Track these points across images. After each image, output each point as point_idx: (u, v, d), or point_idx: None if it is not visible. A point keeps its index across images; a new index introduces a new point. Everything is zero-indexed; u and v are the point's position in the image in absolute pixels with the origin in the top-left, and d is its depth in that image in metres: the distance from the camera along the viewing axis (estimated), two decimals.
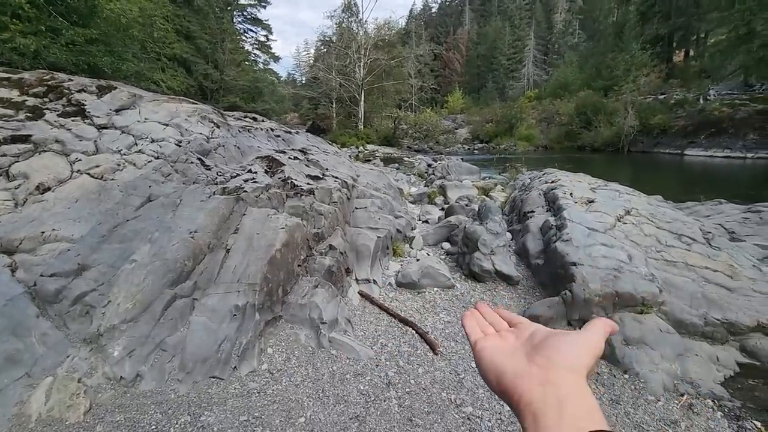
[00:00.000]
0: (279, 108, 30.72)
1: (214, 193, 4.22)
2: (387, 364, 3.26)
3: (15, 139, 4.09)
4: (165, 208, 3.93)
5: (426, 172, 14.39)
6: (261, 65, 32.26)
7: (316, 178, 5.49)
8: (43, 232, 3.37)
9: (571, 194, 5.72)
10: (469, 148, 31.13)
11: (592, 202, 5.45)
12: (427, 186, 11.26)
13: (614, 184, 6.57)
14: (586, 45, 42.97)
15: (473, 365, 3.33)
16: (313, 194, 4.87)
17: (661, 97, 25.90)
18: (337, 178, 5.77)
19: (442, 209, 8.06)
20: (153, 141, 4.96)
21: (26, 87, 5.21)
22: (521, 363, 0.45)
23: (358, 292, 4.33)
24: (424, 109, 37.89)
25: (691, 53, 32.40)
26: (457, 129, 36.80)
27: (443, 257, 5.58)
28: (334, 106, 34.01)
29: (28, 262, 3.16)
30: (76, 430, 2.43)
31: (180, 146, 5.04)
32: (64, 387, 2.60)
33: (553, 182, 6.65)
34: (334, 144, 15.21)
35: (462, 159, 16.76)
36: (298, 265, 3.98)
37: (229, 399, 2.74)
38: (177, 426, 2.51)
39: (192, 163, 4.84)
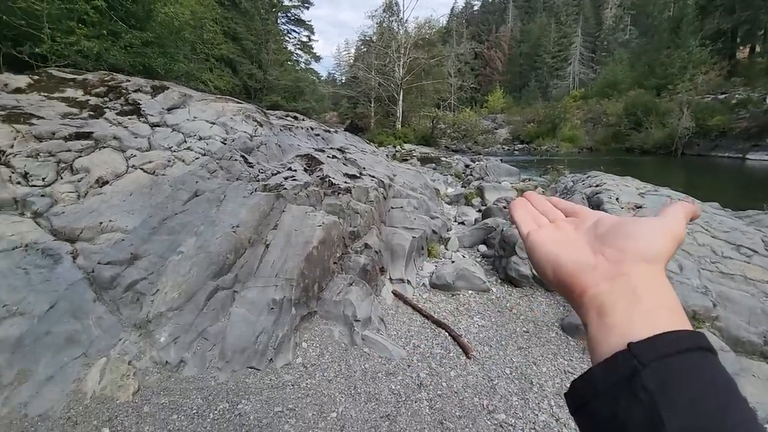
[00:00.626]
0: (319, 107, 31.38)
1: (255, 190, 4.37)
2: (419, 365, 3.25)
3: (79, 136, 4.42)
4: (210, 203, 4.11)
5: (463, 173, 14.19)
6: (302, 65, 33.14)
7: (353, 176, 5.56)
8: (101, 223, 3.63)
9: (617, 199, 5.46)
10: (508, 149, 30.42)
11: (640, 207, 5.18)
12: (465, 187, 11.11)
13: (665, 190, 6.21)
14: (638, 41, 40.72)
15: (507, 371, 3.27)
16: (350, 193, 4.93)
17: (722, 96, 24.12)
18: (374, 177, 5.81)
19: (479, 211, 7.92)
20: (201, 138, 5.20)
21: (89, 87, 5.61)
22: (584, 255, 0.38)
23: (392, 292, 4.34)
24: (463, 108, 37.38)
25: (758, 49, 29.91)
26: (496, 129, 36.07)
27: (479, 260, 5.49)
28: (372, 105, 34.24)
29: (88, 250, 3.40)
30: (125, 409, 2.60)
31: (225, 144, 5.25)
32: (116, 368, 2.78)
33: (597, 186, 6.38)
34: (371, 143, 15.32)
35: (501, 160, 16.42)
36: (334, 263, 4.04)
37: (265, 389, 2.83)
38: (216, 412, 2.62)
39: (236, 160, 5.03)
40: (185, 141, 5.10)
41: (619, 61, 38.46)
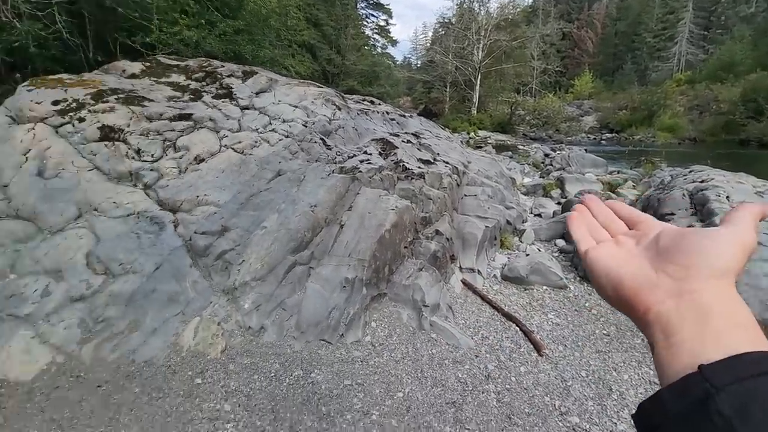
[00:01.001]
0: (393, 92, 31.34)
1: (333, 172, 4.52)
2: (487, 357, 3.18)
3: (181, 117, 4.88)
4: (291, 183, 4.34)
5: (542, 162, 13.37)
6: (379, 49, 33.17)
7: (427, 162, 5.51)
8: (197, 196, 4.00)
9: (727, 197, 4.78)
10: (595, 138, 28.09)
11: None
12: (543, 177, 10.50)
13: None
14: (766, 15, 34.83)
15: (583, 374, 3.08)
16: (424, 178, 4.90)
17: None
18: (447, 163, 5.71)
19: (559, 203, 7.46)
20: (284, 121, 5.47)
21: (190, 73, 6.15)
22: (645, 271, 0.37)
23: (461, 281, 4.28)
24: (545, 93, 35.06)
25: None
26: (582, 116, 33.43)
27: (556, 254, 5.19)
28: (447, 90, 33.46)
29: (186, 220, 3.79)
30: (214, 364, 2.89)
31: (306, 127, 5.48)
32: (207, 327, 3.09)
33: (702, 182, 5.63)
34: (445, 129, 15.03)
35: (586, 150, 15.15)
36: (405, 247, 4.07)
37: (336, 362, 2.97)
38: (291, 377, 2.81)
39: (315, 142, 5.23)
40: (270, 123, 5.40)
41: (739, 39, 33.19)
